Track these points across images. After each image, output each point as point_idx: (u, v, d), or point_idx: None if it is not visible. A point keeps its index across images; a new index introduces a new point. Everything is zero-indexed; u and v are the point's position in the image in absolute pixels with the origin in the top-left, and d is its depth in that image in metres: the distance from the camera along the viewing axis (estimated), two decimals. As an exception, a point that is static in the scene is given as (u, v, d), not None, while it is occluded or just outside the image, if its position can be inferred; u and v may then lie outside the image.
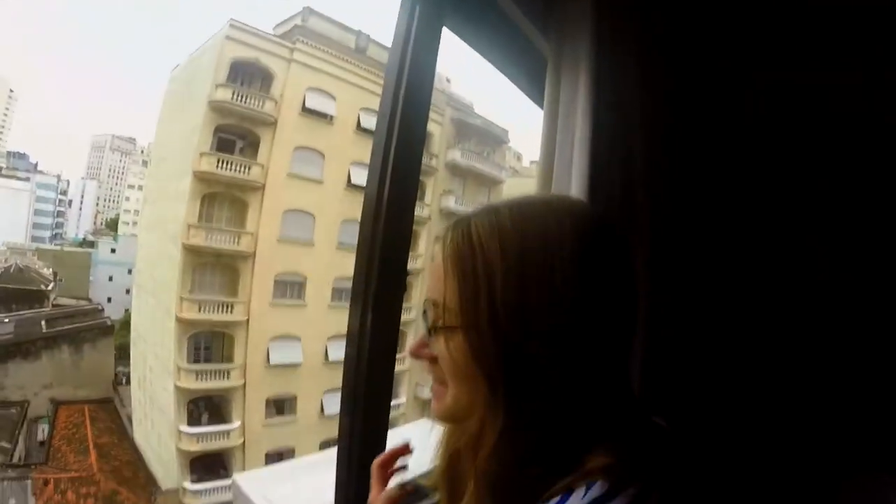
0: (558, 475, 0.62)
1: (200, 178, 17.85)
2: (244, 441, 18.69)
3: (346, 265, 18.89)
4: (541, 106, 1.87)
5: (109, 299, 35.59)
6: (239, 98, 18.14)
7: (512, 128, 28.77)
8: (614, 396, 0.70)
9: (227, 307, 18.44)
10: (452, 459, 0.82)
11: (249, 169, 18.49)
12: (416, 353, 0.75)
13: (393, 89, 1.41)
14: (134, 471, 17.81)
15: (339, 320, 19.25)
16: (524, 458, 0.64)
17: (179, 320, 17.69)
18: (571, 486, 0.61)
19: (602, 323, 0.67)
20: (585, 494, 0.60)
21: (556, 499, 0.60)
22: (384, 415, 1.48)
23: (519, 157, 31.12)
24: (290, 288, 19.77)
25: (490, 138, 25.83)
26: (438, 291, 0.70)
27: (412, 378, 22.69)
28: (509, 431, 0.64)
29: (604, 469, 0.62)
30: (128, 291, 29.71)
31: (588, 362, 0.66)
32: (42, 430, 18.36)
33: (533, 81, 1.94)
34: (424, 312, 0.74)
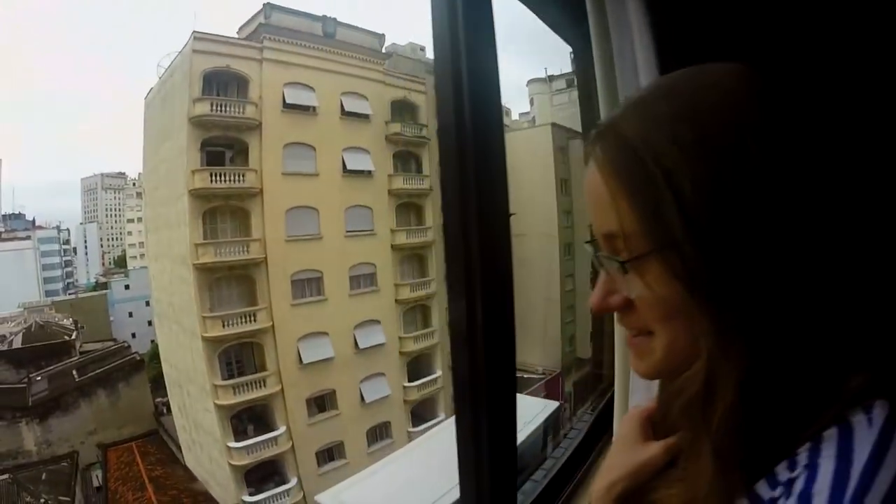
0: (815, 408, 0.55)
1: (197, 195, 19.01)
2: (292, 444, 20.14)
3: (359, 252, 20.50)
4: (566, 40, 2.30)
5: (134, 335, 38.16)
6: (218, 108, 19.35)
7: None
8: (855, 303, 0.57)
9: (250, 317, 19.74)
10: (663, 426, 0.76)
11: (243, 176, 19.67)
12: (602, 306, 0.67)
13: (451, 65, 1.30)
14: (193, 496, 19.06)
15: (363, 307, 21.03)
16: (775, 398, 0.56)
17: (206, 339, 19.02)
18: (843, 416, 0.53)
19: (824, 200, 0.55)
20: (871, 422, 0.52)
21: (832, 434, 0.52)
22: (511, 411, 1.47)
23: (507, 112, 32.07)
24: (307, 285, 21.11)
25: (478, 99, 26.78)
26: (609, 221, 0.62)
27: (444, 349, 24.02)
28: (755, 367, 0.55)
29: (872, 388, 0.54)
30: (150, 323, 31.65)
31: (822, 256, 0.55)
32: (96, 477, 19.85)
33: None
34: (597, 255, 0.67)
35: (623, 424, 0.85)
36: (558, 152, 23.74)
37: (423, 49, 25.82)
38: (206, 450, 20.35)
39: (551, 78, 26.25)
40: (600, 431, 2.27)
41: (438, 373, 24.05)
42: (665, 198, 0.56)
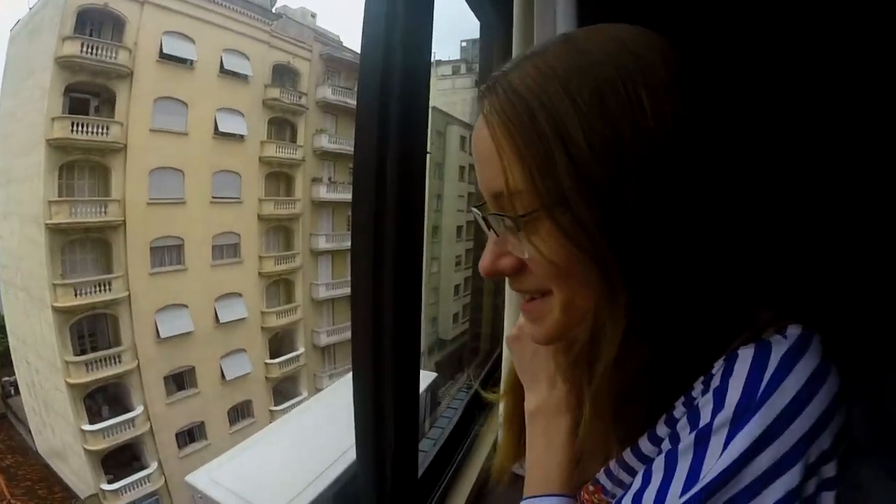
0: (718, 344, 0.63)
1: (55, 146, 18.44)
2: (151, 425, 20.43)
3: (223, 220, 21.36)
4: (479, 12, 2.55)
5: None
6: (89, 50, 18.77)
7: None
8: (744, 253, 0.66)
9: (105, 285, 19.57)
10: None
11: (108, 129, 19.30)
12: (493, 269, 0.72)
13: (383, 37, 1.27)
14: (48, 486, 18.79)
15: (225, 279, 22.19)
16: (661, 349, 0.63)
17: (56, 310, 18.61)
18: (758, 337, 0.61)
19: (712, 158, 0.63)
20: (786, 336, 0.60)
21: (748, 347, 0.60)
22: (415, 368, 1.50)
23: None
24: (168, 253, 21.34)
25: (360, 72, 27.95)
26: (496, 179, 0.64)
27: (307, 326, 25.60)
28: (639, 321, 0.62)
29: (781, 319, 0.64)
30: None
31: (710, 208, 0.62)
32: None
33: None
34: (483, 219, 0.71)
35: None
36: (435, 136, 25.66)
37: (314, 16, 26.39)
38: (59, 434, 20.00)
39: (438, 63, 28.00)
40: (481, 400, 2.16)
41: (301, 349, 25.54)
42: (555, 152, 0.59)
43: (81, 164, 19.29)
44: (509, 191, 0.63)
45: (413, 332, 1.44)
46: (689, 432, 0.60)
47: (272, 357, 24.54)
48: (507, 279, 0.74)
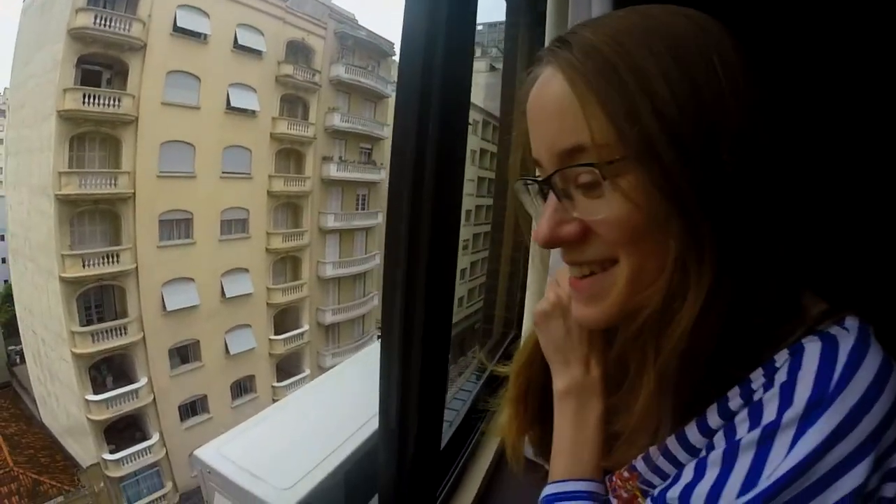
0: (781, 331, 0.61)
1: (66, 117, 18.43)
2: (154, 397, 20.72)
3: (233, 195, 21.32)
4: None
5: None
6: (102, 21, 18.69)
7: (398, 40, 30.72)
8: (811, 233, 0.65)
9: (113, 257, 19.69)
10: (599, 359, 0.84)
11: (119, 101, 19.29)
12: (553, 237, 0.68)
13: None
14: (51, 455, 19.20)
15: (232, 254, 22.22)
16: (738, 319, 0.61)
17: (64, 280, 18.76)
18: (819, 329, 0.60)
19: (780, 128, 0.62)
20: (847, 329, 0.59)
21: (813, 339, 0.59)
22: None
23: None
24: (176, 227, 21.45)
25: (375, 51, 28.21)
26: (577, 132, 0.62)
27: (312, 303, 25.67)
28: (724, 284, 0.60)
29: (837, 310, 0.63)
30: (3, 261, 28.74)
31: (776, 186, 0.61)
32: (-58, 437, 18.93)
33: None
34: (541, 184, 0.71)
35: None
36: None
37: None
38: (63, 403, 20.37)
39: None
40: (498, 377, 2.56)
41: (306, 327, 25.74)
42: (640, 104, 0.58)
43: (92, 136, 19.31)
44: (594, 142, 0.61)
45: (445, 302, 1.41)
46: (752, 428, 0.57)
47: (276, 333, 24.74)
48: (559, 250, 0.72)
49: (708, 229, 0.58)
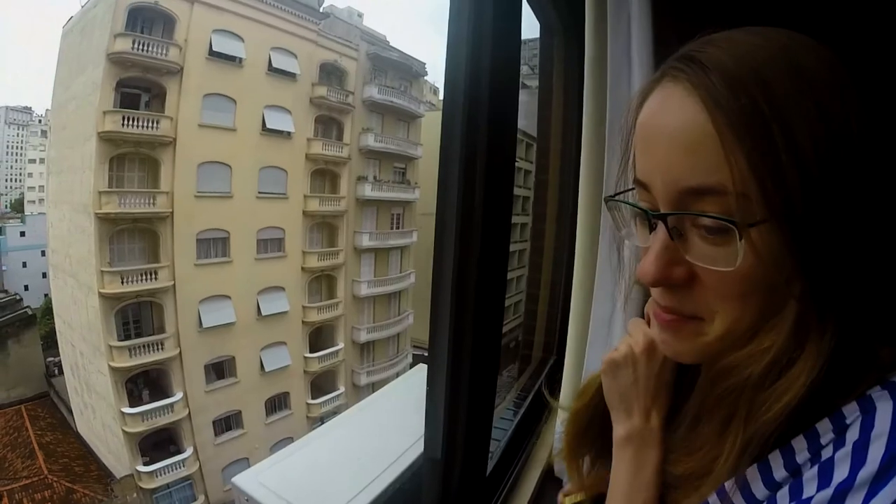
0: (853, 379, 0.58)
1: (106, 138, 19.08)
2: (189, 412, 21.01)
3: (268, 215, 21.72)
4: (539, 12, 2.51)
5: (27, 287, 37.00)
6: (140, 47, 19.43)
7: (429, 60, 31.15)
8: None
9: (151, 274, 20.19)
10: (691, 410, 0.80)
11: (158, 123, 19.94)
12: (662, 277, 0.64)
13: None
14: (85, 464, 19.59)
15: (268, 272, 22.50)
16: (834, 380, 0.58)
17: (103, 296, 19.26)
18: (885, 379, 0.57)
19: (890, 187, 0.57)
20: None
21: (880, 391, 0.56)
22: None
23: (435, 91, 33.65)
24: (213, 245, 21.89)
25: (407, 72, 28.70)
26: (714, 172, 0.57)
27: (347, 322, 25.79)
28: (840, 355, 0.57)
29: None
30: (45, 275, 30.28)
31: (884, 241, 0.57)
32: (-18, 443, 19.55)
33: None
34: (664, 216, 0.63)
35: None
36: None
37: (360, 15, 26.80)
38: (99, 415, 20.81)
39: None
40: (542, 402, 2.44)
41: (340, 345, 25.92)
42: (787, 158, 0.54)
43: (132, 157, 19.94)
44: (734, 191, 0.56)
45: (495, 325, 1.42)
46: (822, 487, 0.54)
47: (311, 351, 24.95)
48: (653, 290, 0.69)
49: (834, 291, 0.56)
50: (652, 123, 0.64)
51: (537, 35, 2.89)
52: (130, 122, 19.32)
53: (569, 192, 2.66)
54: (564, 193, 2.84)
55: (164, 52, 19.97)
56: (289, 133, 23.59)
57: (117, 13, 19.17)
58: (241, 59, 22.00)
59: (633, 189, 0.71)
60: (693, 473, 0.70)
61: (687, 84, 0.59)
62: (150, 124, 19.77)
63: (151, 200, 20.01)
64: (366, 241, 26.45)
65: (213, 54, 21.17)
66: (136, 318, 20.65)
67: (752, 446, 0.60)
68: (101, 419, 20.66)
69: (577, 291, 1.87)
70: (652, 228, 0.65)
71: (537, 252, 3.13)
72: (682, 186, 0.59)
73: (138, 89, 20.22)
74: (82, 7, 21.29)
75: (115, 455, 20.14)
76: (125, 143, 19.47)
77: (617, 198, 0.73)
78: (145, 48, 19.54)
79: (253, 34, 22.07)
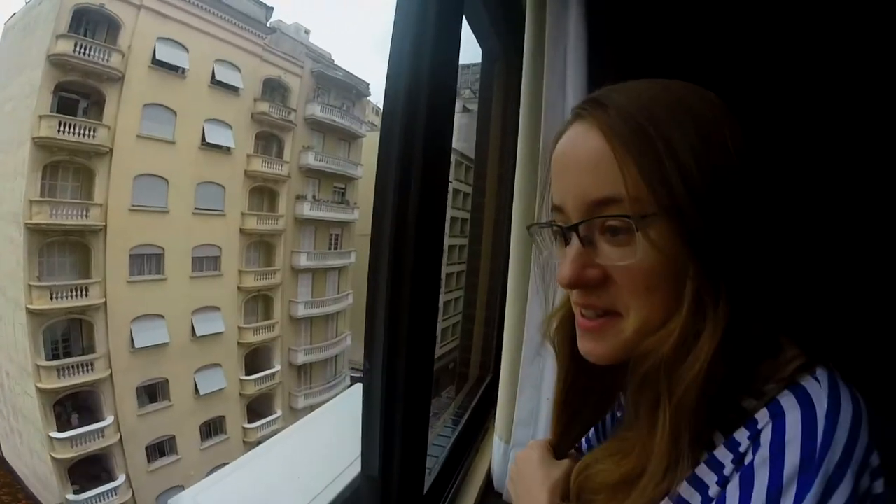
0: (761, 375, 0.68)
1: (41, 144, 18.28)
2: (121, 436, 19.97)
3: (205, 231, 21.28)
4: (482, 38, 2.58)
5: None
6: (82, 50, 18.78)
7: (373, 81, 31.30)
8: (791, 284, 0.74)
9: (82, 290, 19.27)
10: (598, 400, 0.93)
11: (95, 131, 19.23)
12: (579, 279, 0.73)
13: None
14: (12, 494, 18.30)
15: (203, 292, 22.05)
16: (733, 363, 0.67)
17: (31, 312, 18.21)
18: (793, 380, 0.67)
19: (771, 196, 0.71)
20: (819, 381, 0.65)
21: (787, 394, 0.65)
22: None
23: (378, 112, 33.77)
24: (147, 261, 21.14)
25: (350, 91, 28.82)
26: (612, 184, 0.69)
27: (284, 343, 25.39)
28: (734, 330, 0.66)
29: (809, 359, 0.69)
30: None
31: (774, 228, 0.70)
32: None
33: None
34: (576, 225, 0.73)
35: (529, 452, 1.01)
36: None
37: (307, 32, 26.71)
38: (27, 440, 19.46)
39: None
40: (480, 419, 2.58)
41: (277, 367, 25.23)
42: (670, 166, 0.66)
43: (66, 165, 19.16)
44: (627, 196, 0.67)
45: (427, 349, 1.43)
46: (746, 496, 0.62)
47: (248, 373, 24.27)
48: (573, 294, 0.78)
49: (721, 272, 0.67)
50: (564, 153, 0.76)
51: (479, 60, 2.94)
52: (67, 129, 18.61)
53: (504, 216, 2.72)
54: (500, 215, 2.90)
55: (107, 57, 19.40)
56: (229, 148, 23.19)
57: (62, 13, 18.59)
58: (184, 70, 21.60)
59: (547, 222, 0.83)
60: (631, 473, 0.75)
61: (590, 119, 0.73)
62: (87, 132, 19.07)
63: (84, 212, 19.22)
64: (304, 261, 26.13)
65: (157, 63, 20.71)
66: (65, 336, 19.55)
67: (681, 428, 0.67)
68: (29, 444, 19.30)
69: (510, 310, 1.96)
70: (567, 242, 0.76)
71: (474, 273, 3.18)
72: (588, 199, 0.71)
73: (77, 95, 19.49)
74: (27, 3, 20.33)
75: (44, 483, 18.85)
76: (60, 150, 18.69)
77: (538, 223, 0.85)
78: (87, 52, 18.91)
79: (198, 45, 21.78)
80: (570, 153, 0.75)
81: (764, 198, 0.69)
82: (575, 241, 0.73)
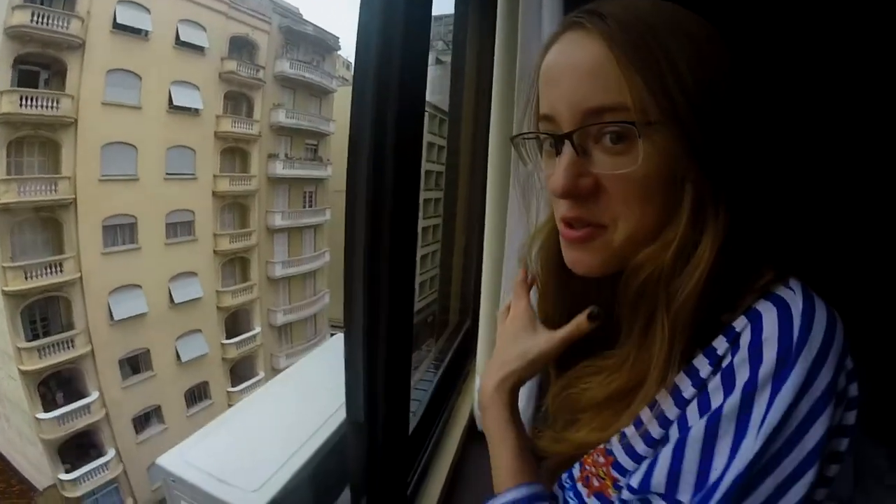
0: (740, 288, 0.70)
1: (3, 122, 17.45)
2: (107, 411, 19.95)
3: (178, 197, 21.02)
4: None
5: None
6: (40, 19, 17.76)
7: (343, 35, 30.15)
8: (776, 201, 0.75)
9: (57, 267, 18.86)
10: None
11: (58, 102, 18.40)
12: (572, 188, 0.72)
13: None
14: (6, 479, 18.24)
15: (179, 258, 22.01)
16: (725, 272, 0.68)
17: (7, 294, 17.82)
18: (767, 290, 0.68)
19: (764, 112, 0.72)
20: (793, 290, 0.67)
21: (764, 301, 0.67)
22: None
23: (348, 66, 32.65)
24: (120, 232, 20.63)
25: (320, 46, 27.79)
26: (614, 92, 0.68)
27: (263, 305, 25.39)
28: (733, 239, 0.68)
29: (781, 273, 0.70)
30: None
31: (758, 156, 0.71)
32: None
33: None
34: (570, 133, 0.72)
35: (508, 321, 0.98)
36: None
37: None
38: (15, 424, 19.24)
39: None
40: (461, 363, 2.64)
41: (258, 329, 25.25)
42: (669, 76, 0.66)
43: (31, 140, 18.29)
44: (630, 104, 0.67)
45: (407, 292, 1.45)
46: (729, 393, 0.63)
47: (228, 337, 24.21)
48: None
49: (720, 181, 0.68)
50: (558, 61, 0.75)
51: (452, 11, 2.90)
52: (29, 102, 17.70)
53: (480, 163, 2.67)
54: (476, 162, 2.89)
55: (66, 24, 18.26)
56: (197, 110, 22.35)
57: (15, -17, 17.28)
58: (147, 32, 20.48)
59: (536, 132, 0.82)
60: (623, 389, 0.75)
61: (588, 27, 0.71)
62: (51, 104, 18.14)
63: (53, 187, 18.47)
64: (279, 221, 25.76)
65: (118, 27, 19.55)
66: (43, 315, 19.05)
67: (677, 339, 0.69)
68: (17, 428, 19.13)
69: (488, 246, 1.99)
70: (558, 152, 0.74)
71: (450, 220, 3.22)
72: (585, 107, 0.70)
73: (37, 66, 18.38)
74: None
75: (36, 466, 18.80)
76: (24, 125, 17.77)
77: (524, 134, 0.84)
78: (45, 21, 17.79)
79: (160, 5, 20.56)
80: (565, 59, 0.74)
81: (755, 115, 0.71)
82: (568, 149, 0.72)
